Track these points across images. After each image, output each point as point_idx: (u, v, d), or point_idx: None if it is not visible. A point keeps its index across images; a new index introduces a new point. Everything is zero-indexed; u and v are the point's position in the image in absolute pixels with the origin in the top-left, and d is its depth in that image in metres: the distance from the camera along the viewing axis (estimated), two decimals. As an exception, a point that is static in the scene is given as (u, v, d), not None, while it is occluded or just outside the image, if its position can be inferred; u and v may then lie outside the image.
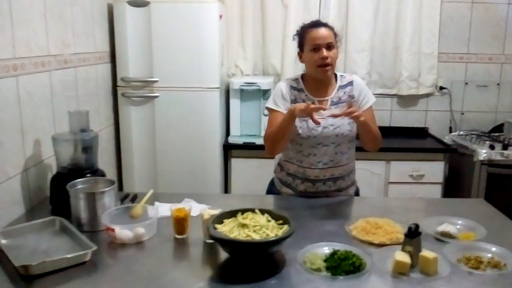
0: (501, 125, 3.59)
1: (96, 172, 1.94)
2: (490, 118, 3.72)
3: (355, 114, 1.81)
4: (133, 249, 1.56)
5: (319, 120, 1.80)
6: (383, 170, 3.23)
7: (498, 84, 3.68)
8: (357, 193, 2.24)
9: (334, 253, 1.43)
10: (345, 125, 2.02)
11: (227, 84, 3.31)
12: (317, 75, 2.01)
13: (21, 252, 1.48)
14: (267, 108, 2.10)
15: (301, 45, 2.03)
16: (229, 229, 1.46)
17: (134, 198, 1.99)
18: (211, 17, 2.82)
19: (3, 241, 1.55)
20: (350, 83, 2.08)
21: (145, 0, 2.77)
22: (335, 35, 2.01)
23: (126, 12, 2.79)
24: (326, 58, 1.94)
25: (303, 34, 2.01)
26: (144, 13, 2.79)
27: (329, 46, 1.96)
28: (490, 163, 3.10)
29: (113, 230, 1.57)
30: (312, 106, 1.78)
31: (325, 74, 1.98)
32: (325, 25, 2.01)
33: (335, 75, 2.09)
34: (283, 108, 2.04)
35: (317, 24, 2.02)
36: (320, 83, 2.05)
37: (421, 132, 3.71)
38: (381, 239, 1.60)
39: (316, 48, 1.95)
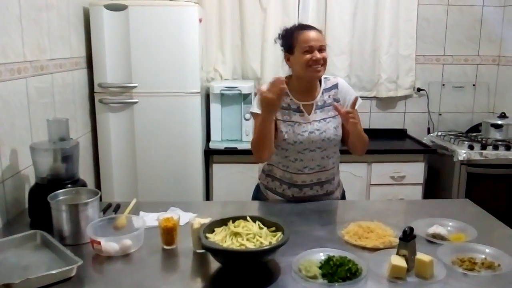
0: (478, 125, 3.65)
1: (77, 182, 1.87)
2: (466, 119, 3.79)
3: (351, 120, 1.86)
4: (120, 262, 1.49)
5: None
6: (365, 172, 3.24)
7: (474, 85, 3.75)
8: (343, 195, 2.22)
9: (329, 259, 1.41)
10: (331, 130, 2.00)
11: (207, 88, 3.26)
12: (307, 75, 1.95)
13: (0, 269, 1.40)
14: (252, 113, 2.06)
15: (289, 48, 1.97)
16: (221, 238, 1.42)
17: (117, 208, 1.92)
18: (191, 20, 2.76)
19: (-19, 258, 1.46)
20: (335, 86, 2.06)
21: (122, 3, 2.70)
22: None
23: (103, 16, 2.70)
24: (320, 60, 1.92)
25: (293, 36, 1.96)
26: (121, 17, 2.71)
27: (322, 49, 1.93)
28: (469, 163, 3.14)
29: (99, 243, 1.50)
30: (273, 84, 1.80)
31: (317, 73, 1.95)
32: (315, 28, 1.99)
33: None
34: None
35: (307, 26, 2.01)
36: (304, 86, 2.02)
37: (400, 134, 3.74)
38: (374, 243, 1.58)
39: (309, 50, 1.91)
